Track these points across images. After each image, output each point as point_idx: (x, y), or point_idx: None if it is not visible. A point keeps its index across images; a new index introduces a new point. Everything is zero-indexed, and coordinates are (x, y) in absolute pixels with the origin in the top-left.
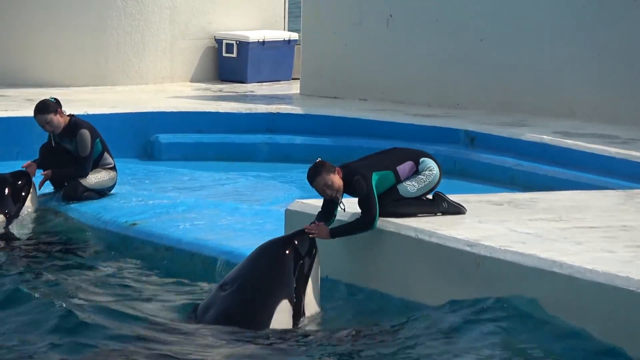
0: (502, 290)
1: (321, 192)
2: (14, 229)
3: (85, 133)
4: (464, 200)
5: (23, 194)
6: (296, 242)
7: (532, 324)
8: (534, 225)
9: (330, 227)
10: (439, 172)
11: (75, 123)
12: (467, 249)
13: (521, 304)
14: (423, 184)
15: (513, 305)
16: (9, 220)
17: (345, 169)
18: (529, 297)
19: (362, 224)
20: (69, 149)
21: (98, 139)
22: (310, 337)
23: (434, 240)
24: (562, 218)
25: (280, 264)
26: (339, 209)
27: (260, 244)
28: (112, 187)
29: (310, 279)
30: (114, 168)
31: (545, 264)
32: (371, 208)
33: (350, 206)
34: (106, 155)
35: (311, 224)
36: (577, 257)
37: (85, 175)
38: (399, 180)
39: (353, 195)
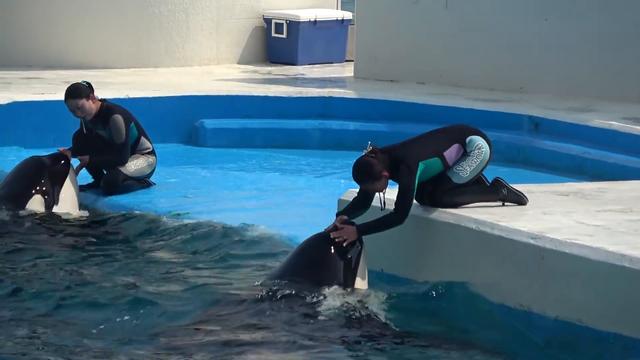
0: (568, 285)
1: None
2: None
3: (118, 118)
4: (528, 191)
5: (61, 176)
6: None
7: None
8: (602, 217)
9: (358, 223)
10: (489, 149)
11: (108, 108)
12: (531, 241)
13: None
14: (474, 165)
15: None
16: (49, 203)
17: (392, 154)
18: (597, 293)
19: (393, 220)
20: (103, 136)
21: (133, 123)
22: (359, 332)
23: (496, 232)
24: (632, 209)
25: (326, 259)
26: (378, 204)
27: (308, 237)
28: (152, 172)
29: (357, 274)
30: (152, 152)
31: (614, 257)
32: (406, 203)
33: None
34: (143, 139)
35: (334, 222)
36: None
37: (124, 163)
38: (447, 166)
39: (396, 181)
